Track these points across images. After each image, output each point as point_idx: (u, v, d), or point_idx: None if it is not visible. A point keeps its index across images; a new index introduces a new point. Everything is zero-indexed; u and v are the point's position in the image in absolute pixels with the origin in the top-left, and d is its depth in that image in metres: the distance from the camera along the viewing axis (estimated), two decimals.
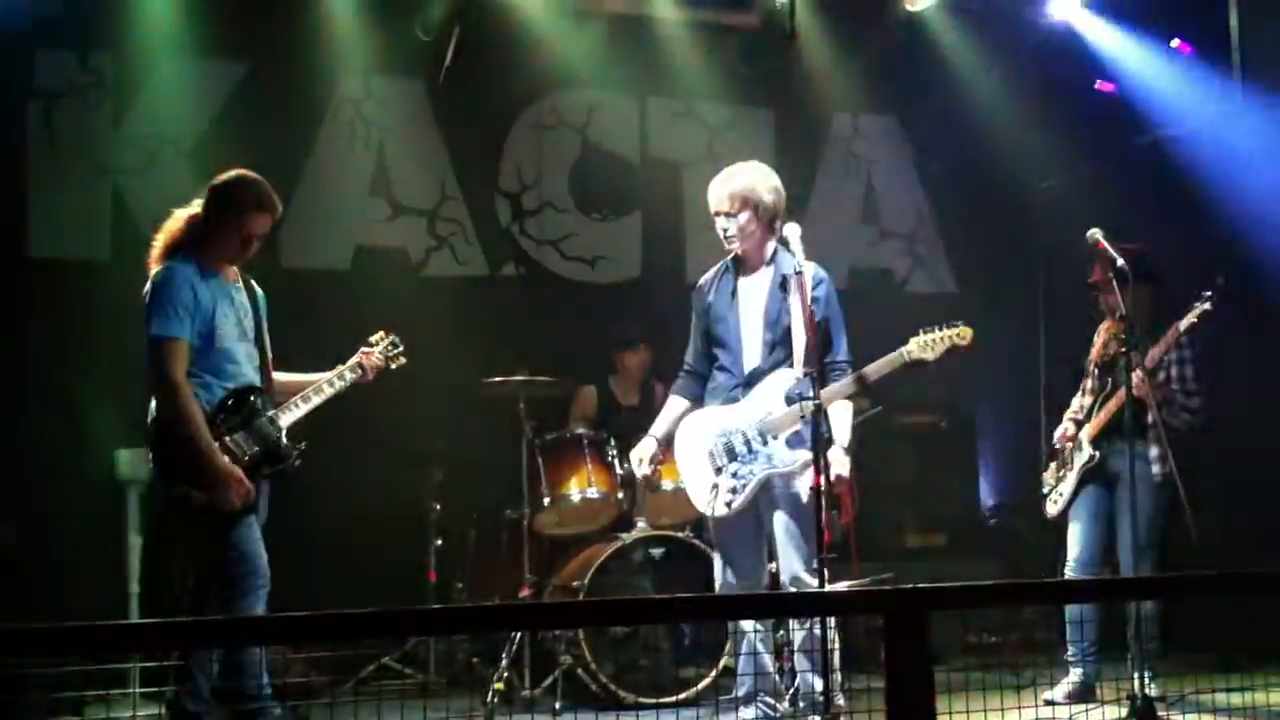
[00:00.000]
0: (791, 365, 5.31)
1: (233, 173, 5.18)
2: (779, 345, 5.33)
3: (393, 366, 5.54)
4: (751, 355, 5.36)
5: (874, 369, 5.22)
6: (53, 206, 7.30)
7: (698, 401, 5.52)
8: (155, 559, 6.32)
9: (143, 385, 5.05)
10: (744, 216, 5.34)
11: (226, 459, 4.89)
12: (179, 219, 5.11)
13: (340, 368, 5.39)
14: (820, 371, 5.19)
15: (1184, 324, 5.87)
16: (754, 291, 5.41)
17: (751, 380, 5.33)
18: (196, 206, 5.14)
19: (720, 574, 5.40)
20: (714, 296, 5.47)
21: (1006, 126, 8.47)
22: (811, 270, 5.34)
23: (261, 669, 4.94)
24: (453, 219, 8.21)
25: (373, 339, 5.55)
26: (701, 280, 5.61)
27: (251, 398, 5.03)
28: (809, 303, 5.14)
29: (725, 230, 5.37)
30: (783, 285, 5.32)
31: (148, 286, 4.98)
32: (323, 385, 5.29)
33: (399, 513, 7.15)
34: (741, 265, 5.47)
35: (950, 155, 8.94)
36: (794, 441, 5.24)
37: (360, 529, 7.22)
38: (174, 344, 4.84)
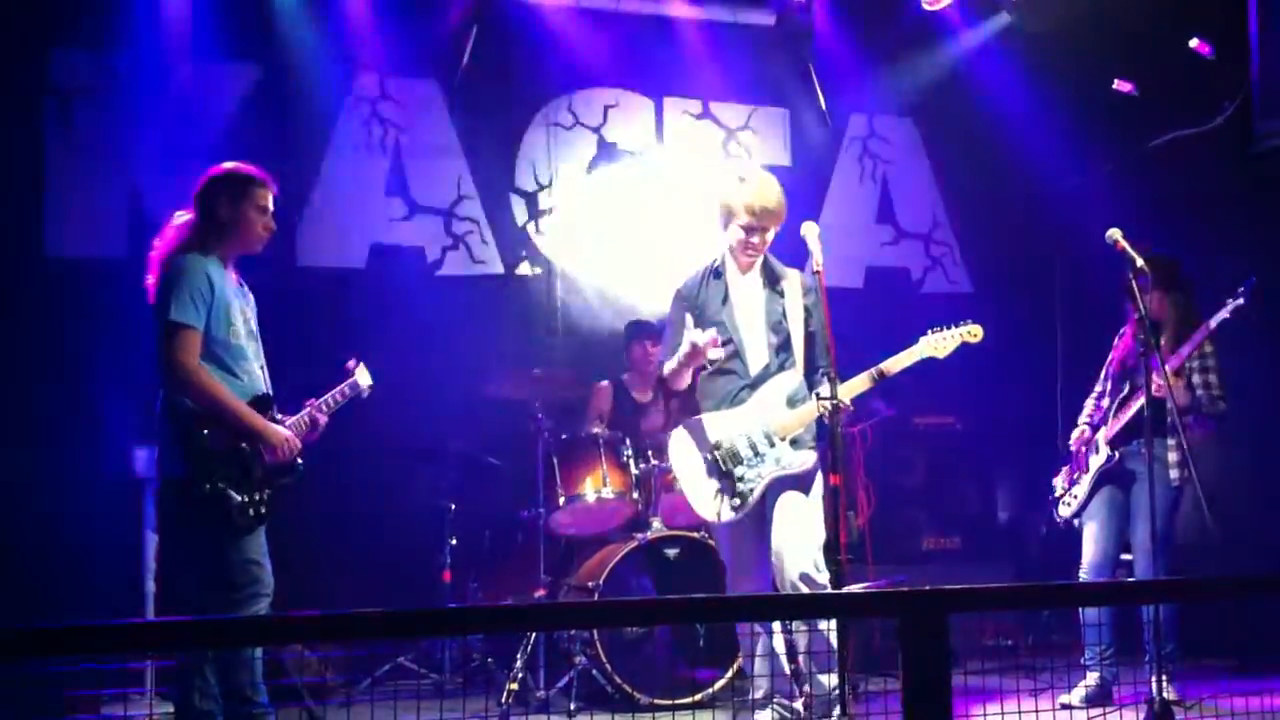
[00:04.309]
0: (794, 367, 5.32)
1: (214, 169, 5.10)
2: (783, 348, 5.34)
3: (364, 396, 5.46)
4: (757, 357, 5.35)
5: (890, 364, 5.24)
6: (69, 205, 7.32)
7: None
8: (171, 558, 6.30)
9: (153, 381, 4.97)
10: (774, 231, 5.38)
11: (262, 419, 4.89)
12: (180, 221, 5.05)
13: (331, 393, 5.31)
14: (810, 377, 5.25)
15: (1215, 321, 5.83)
16: (749, 294, 5.41)
17: (758, 382, 5.33)
18: (186, 215, 5.06)
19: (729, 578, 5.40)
20: (704, 300, 5.45)
21: (1023, 126, 8.45)
22: (800, 278, 5.37)
23: (258, 674, 4.88)
24: (469, 218, 8.21)
25: (350, 365, 5.46)
26: (683, 285, 5.57)
27: (267, 408, 5.00)
28: (826, 303, 5.15)
29: (756, 243, 5.36)
30: (775, 288, 5.33)
31: (161, 274, 4.88)
32: (322, 406, 5.23)
33: (414, 512, 7.15)
34: (729, 269, 5.46)
35: (966, 155, 8.92)
36: (799, 443, 5.25)
37: (375, 529, 7.23)
38: (191, 331, 4.79)
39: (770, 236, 5.37)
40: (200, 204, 5.00)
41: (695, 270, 5.58)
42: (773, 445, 5.24)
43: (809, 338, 5.35)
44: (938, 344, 5.29)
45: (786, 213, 5.38)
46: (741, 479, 5.24)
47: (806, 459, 5.23)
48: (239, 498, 4.77)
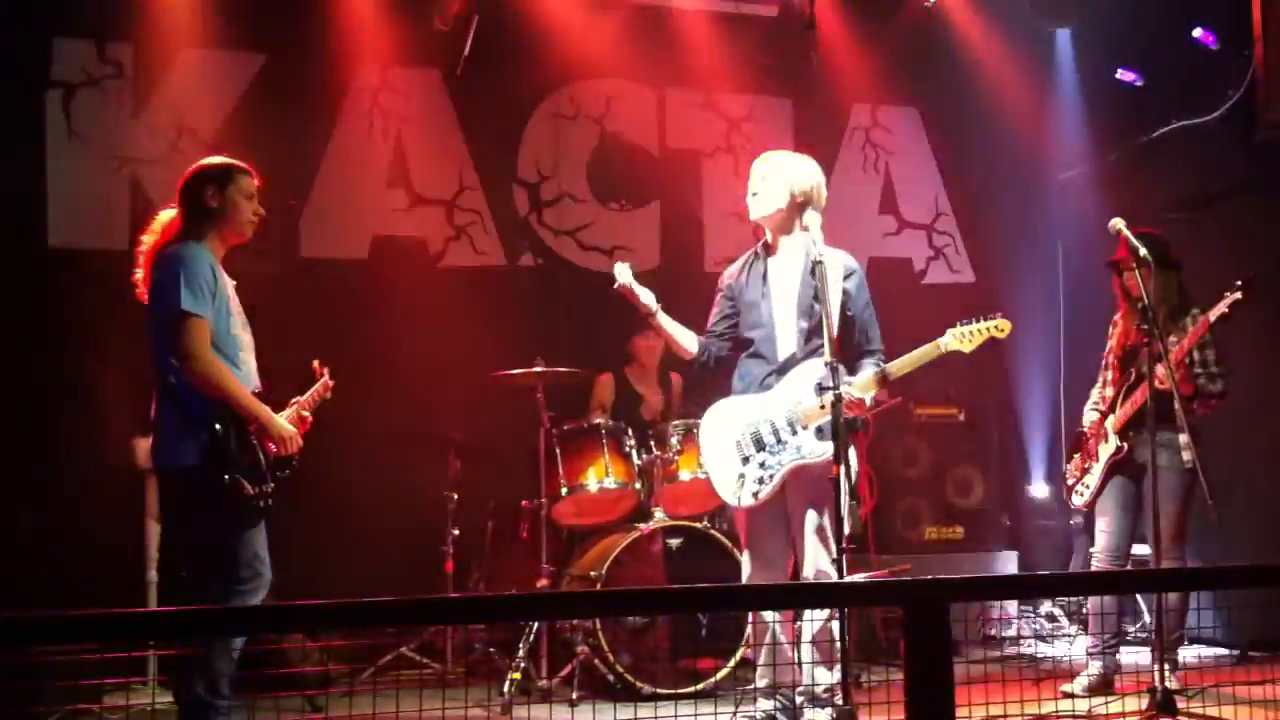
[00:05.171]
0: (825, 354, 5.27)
1: (197, 165, 5.07)
2: (814, 334, 5.28)
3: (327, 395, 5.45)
4: (786, 343, 5.33)
5: (903, 363, 5.18)
6: (71, 196, 7.32)
7: (703, 353, 5.47)
8: (176, 547, 6.27)
9: (154, 368, 4.85)
10: (774, 190, 5.32)
11: (269, 411, 4.86)
12: (167, 216, 5.01)
13: (310, 393, 5.29)
14: (853, 362, 5.21)
15: (1214, 315, 5.82)
16: (785, 279, 5.38)
17: (785, 368, 5.31)
18: (171, 211, 5.03)
19: (746, 564, 5.38)
20: (744, 284, 5.45)
21: (1025, 116, 8.45)
22: (842, 260, 5.33)
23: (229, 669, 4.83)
24: (471, 209, 8.21)
25: (315, 363, 5.44)
26: (729, 269, 5.59)
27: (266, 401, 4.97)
28: (826, 291, 5.09)
29: (754, 194, 5.38)
30: (813, 273, 5.29)
31: (162, 265, 4.82)
32: (306, 404, 5.22)
33: (416, 503, 7.15)
34: (770, 252, 5.45)
35: (969, 145, 8.92)
36: (823, 433, 5.19)
37: (377, 519, 7.24)
38: (203, 321, 4.75)
39: (752, 197, 5.38)
40: (187, 196, 4.96)
41: (741, 258, 5.59)
42: (795, 433, 5.21)
43: (848, 322, 5.31)
44: (962, 338, 5.19)
45: (768, 172, 5.37)
46: (763, 464, 5.23)
47: (829, 449, 5.14)
48: (252, 489, 4.75)
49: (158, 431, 4.86)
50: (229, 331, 4.86)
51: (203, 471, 4.71)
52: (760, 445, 5.25)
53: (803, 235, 5.33)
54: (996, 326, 5.19)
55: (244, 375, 4.88)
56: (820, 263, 5.08)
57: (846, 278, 5.31)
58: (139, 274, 4.95)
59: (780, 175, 5.36)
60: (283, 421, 4.91)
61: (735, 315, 5.46)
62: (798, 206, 5.34)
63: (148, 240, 4.97)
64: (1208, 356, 6.01)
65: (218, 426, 4.72)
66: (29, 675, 5.32)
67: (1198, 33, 7.55)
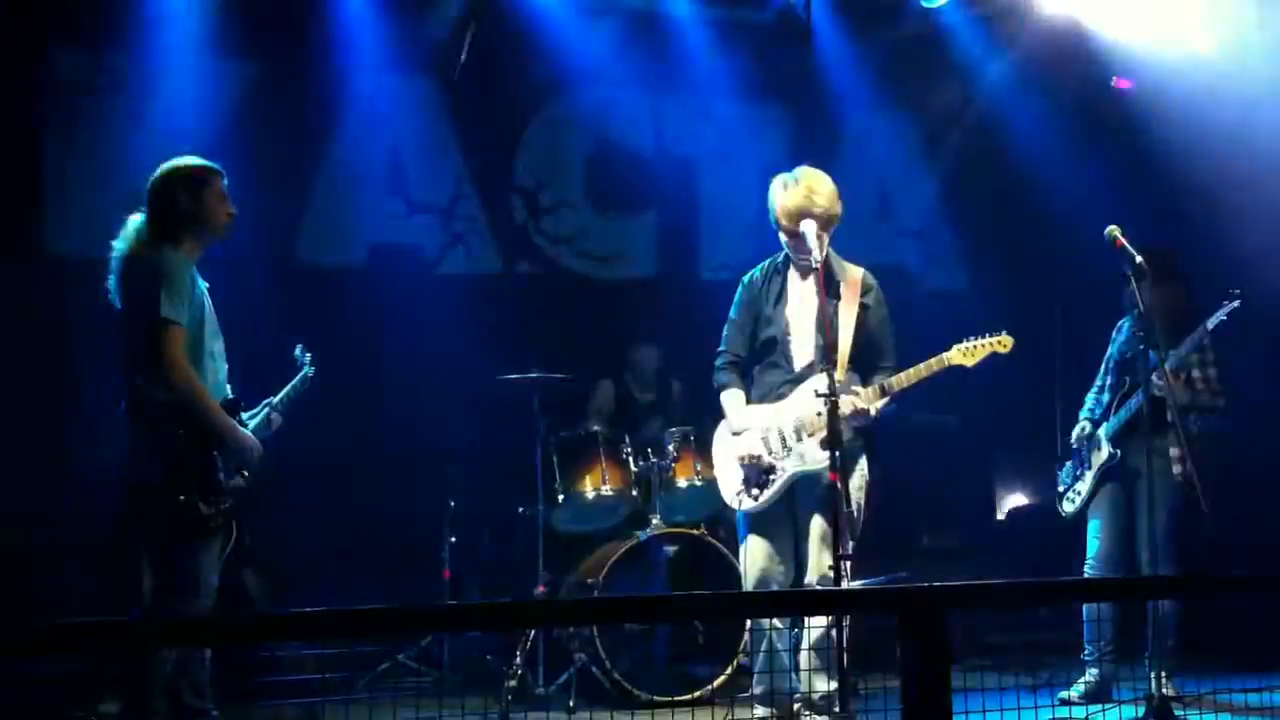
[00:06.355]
0: (838, 366, 5.29)
1: (166, 168, 5.04)
2: (830, 347, 5.29)
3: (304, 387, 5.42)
4: (803, 354, 5.38)
5: (906, 377, 5.21)
6: (68, 204, 7.31)
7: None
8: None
9: (123, 377, 4.84)
10: (814, 231, 5.31)
11: (232, 423, 4.81)
12: (138, 221, 4.96)
13: (285, 391, 5.26)
14: (869, 375, 5.27)
15: (1212, 322, 5.83)
16: (804, 294, 5.41)
17: (800, 378, 5.35)
18: (141, 215, 4.99)
19: (752, 565, 5.38)
20: (763, 295, 5.49)
21: (1021, 121, 8.46)
22: (861, 275, 5.41)
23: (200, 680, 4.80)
24: (467, 216, 8.21)
25: (299, 349, 5.41)
26: (750, 275, 5.60)
27: (235, 412, 4.92)
28: (838, 303, 5.13)
29: (798, 245, 5.32)
30: (833, 288, 5.31)
31: (139, 271, 4.79)
32: (279, 405, 5.18)
33: (413, 510, 7.14)
34: (791, 265, 5.47)
35: (964, 151, 8.92)
36: (828, 442, 5.20)
37: (374, 527, 7.23)
38: (181, 330, 4.71)
39: (812, 237, 5.23)
40: (159, 200, 4.92)
41: (767, 261, 5.60)
42: (800, 440, 5.25)
43: (863, 336, 5.34)
44: (966, 353, 5.26)
45: (833, 209, 5.32)
46: (767, 469, 5.26)
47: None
48: (206, 509, 4.70)
49: (124, 444, 4.81)
50: (201, 340, 4.80)
51: (161, 491, 4.67)
52: (766, 450, 5.30)
53: (825, 248, 5.32)
54: (999, 342, 5.28)
55: (214, 385, 4.83)
56: (816, 269, 5.11)
57: (865, 293, 5.38)
58: (111, 281, 4.91)
59: (828, 222, 5.34)
60: (245, 433, 4.85)
61: (753, 329, 5.49)
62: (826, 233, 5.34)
63: (119, 246, 4.93)
64: (1209, 374, 6.01)
65: (180, 440, 4.67)
66: (26, 681, 5.32)
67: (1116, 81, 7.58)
